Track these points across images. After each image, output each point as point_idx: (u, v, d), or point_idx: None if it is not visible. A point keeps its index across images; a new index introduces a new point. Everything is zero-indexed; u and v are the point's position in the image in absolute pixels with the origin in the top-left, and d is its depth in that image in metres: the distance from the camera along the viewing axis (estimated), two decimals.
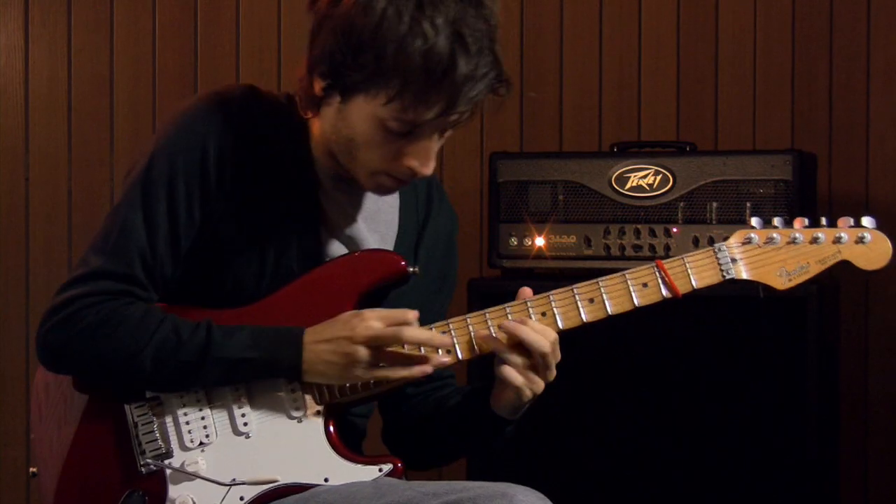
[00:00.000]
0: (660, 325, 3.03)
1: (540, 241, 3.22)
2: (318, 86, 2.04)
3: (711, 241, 3.06)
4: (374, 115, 2.00)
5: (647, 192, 3.18)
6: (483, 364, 2.15)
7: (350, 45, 1.97)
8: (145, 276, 2.08)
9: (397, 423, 2.31)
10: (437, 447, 2.28)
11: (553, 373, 2.08)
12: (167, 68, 3.88)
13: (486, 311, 2.10)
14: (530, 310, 2.09)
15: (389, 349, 2.04)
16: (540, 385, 2.08)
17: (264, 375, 2.06)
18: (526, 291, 2.11)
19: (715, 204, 3.15)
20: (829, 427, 3.26)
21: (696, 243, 3.13)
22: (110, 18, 3.88)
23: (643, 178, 3.18)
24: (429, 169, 2.05)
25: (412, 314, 2.05)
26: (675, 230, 3.16)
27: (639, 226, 3.18)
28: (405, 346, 2.05)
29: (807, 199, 3.18)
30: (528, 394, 2.08)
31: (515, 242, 3.24)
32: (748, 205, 3.12)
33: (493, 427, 2.16)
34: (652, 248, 3.17)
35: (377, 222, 2.21)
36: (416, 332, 2.04)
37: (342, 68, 1.99)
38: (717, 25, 3.68)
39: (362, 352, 2.03)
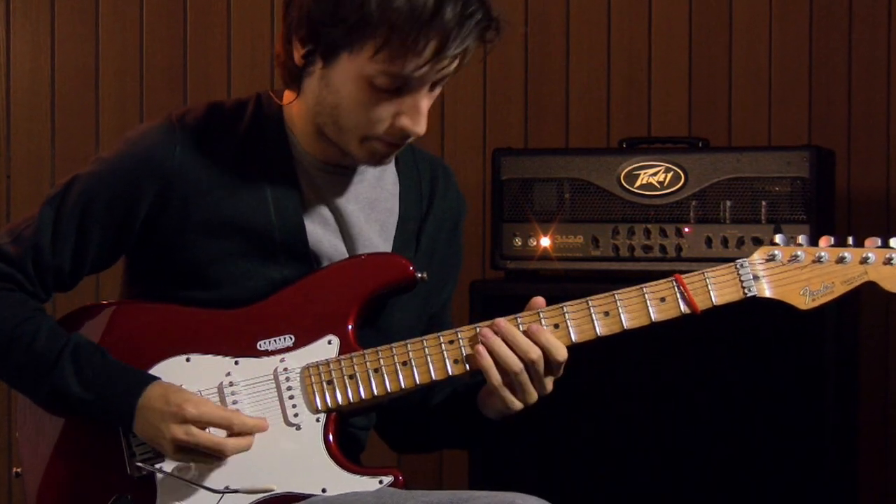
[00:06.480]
0: (672, 329, 3.02)
1: (545, 242, 3.19)
2: (299, 54, 2.02)
3: (725, 242, 3.04)
4: (360, 73, 1.98)
5: (658, 190, 3.15)
6: None
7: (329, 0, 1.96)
8: (35, 272, 2.09)
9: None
10: (420, 437, 2.28)
11: (547, 387, 2.04)
12: (155, 60, 3.87)
13: (493, 322, 2.05)
14: (543, 321, 2.04)
15: (204, 454, 2.01)
16: (531, 397, 2.04)
17: (95, 417, 2.04)
18: (538, 301, 2.06)
19: (729, 202, 3.11)
20: (847, 433, 3.25)
21: (708, 244, 3.11)
22: (95, 7, 3.87)
23: (653, 175, 3.15)
24: (421, 127, 2.02)
25: (255, 426, 2.02)
26: (686, 230, 3.13)
27: (649, 225, 3.15)
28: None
29: (824, 198, 3.16)
30: (517, 405, 2.04)
31: (520, 243, 3.21)
32: (763, 203, 3.09)
33: (479, 428, 2.14)
34: (662, 248, 3.13)
35: (376, 210, 2.18)
36: (239, 444, 2.01)
37: (322, 27, 1.98)
38: (731, 15, 3.68)
39: (170, 449, 2.00)
